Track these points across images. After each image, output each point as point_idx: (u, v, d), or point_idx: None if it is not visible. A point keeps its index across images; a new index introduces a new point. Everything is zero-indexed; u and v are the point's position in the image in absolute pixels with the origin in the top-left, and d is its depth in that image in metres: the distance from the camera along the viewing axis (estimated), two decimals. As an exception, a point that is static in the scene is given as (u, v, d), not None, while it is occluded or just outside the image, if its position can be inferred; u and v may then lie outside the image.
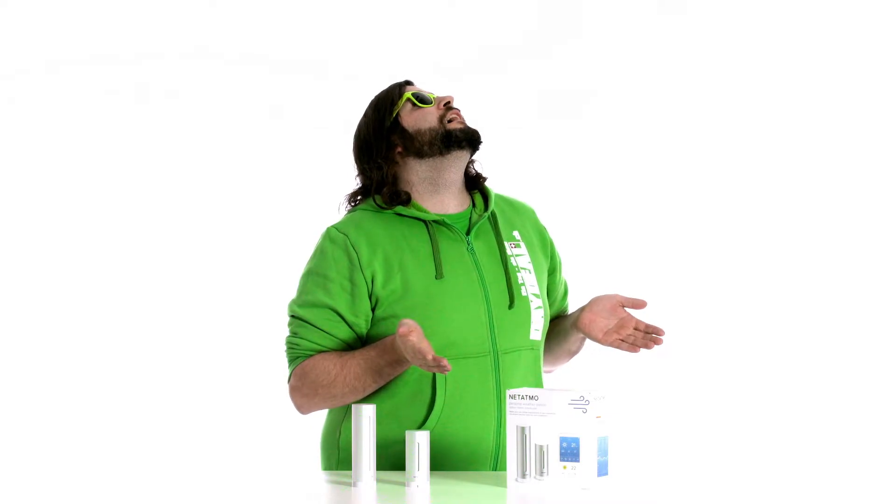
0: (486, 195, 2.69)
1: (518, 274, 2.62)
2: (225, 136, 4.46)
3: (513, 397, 2.29)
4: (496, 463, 2.58)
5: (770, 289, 4.36)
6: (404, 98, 2.64)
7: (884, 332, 4.31)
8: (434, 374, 2.53)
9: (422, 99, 2.65)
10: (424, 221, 2.61)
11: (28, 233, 4.44)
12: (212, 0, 4.46)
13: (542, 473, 2.26)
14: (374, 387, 2.53)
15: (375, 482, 2.34)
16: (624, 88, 4.43)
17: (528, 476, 2.27)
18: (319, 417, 2.71)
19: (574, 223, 4.23)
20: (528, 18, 4.45)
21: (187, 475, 2.53)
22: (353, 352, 2.54)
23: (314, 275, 2.60)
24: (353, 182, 2.74)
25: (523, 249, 2.66)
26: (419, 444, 2.30)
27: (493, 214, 2.67)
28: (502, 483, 2.33)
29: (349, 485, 2.36)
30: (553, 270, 2.75)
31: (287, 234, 4.21)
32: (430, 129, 2.62)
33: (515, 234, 2.68)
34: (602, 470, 2.24)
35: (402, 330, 2.37)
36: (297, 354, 2.59)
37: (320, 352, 2.57)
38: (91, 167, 4.44)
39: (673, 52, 4.42)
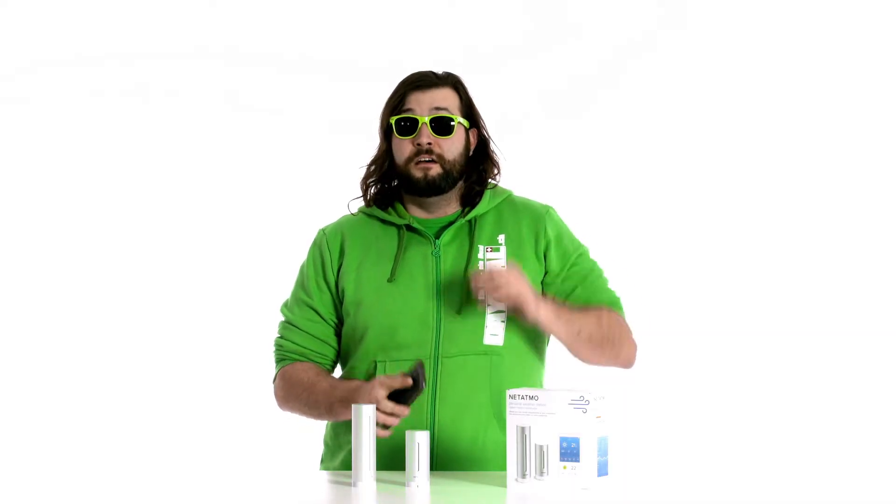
0: (475, 201, 2.67)
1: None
2: (225, 136, 4.46)
3: (513, 397, 2.29)
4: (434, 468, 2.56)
5: (770, 288, 4.35)
6: (392, 120, 2.63)
7: (884, 332, 4.31)
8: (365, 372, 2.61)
9: (403, 127, 2.62)
10: (397, 225, 2.66)
11: (28, 233, 4.44)
12: (212, 0, 4.46)
13: (542, 473, 2.26)
14: (328, 416, 2.61)
15: (375, 482, 2.34)
16: (624, 89, 4.43)
17: (528, 476, 2.27)
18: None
19: (573, 223, 4.23)
20: (527, 19, 4.45)
21: (188, 475, 2.53)
22: (327, 376, 2.65)
23: (299, 273, 2.75)
24: (349, 180, 2.80)
25: (501, 253, 2.62)
26: (419, 444, 2.30)
27: (475, 220, 2.65)
28: (502, 483, 2.33)
29: (349, 485, 2.36)
30: (553, 273, 2.65)
31: (286, 233, 4.20)
32: (400, 164, 2.64)
33: (500, 237, 2.65)
34: (602, 470, 2.24)
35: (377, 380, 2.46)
36: (282, 356, 2.72)
37: (305, 357, 2.69)
38: (91, 167, 4.44)
39: (672, 52, 4.41)
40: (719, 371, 4.32)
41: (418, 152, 2.61)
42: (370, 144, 2.79)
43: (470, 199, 2.67)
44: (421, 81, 2.65)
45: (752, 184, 4.37)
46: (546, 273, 2.65)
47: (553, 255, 2.65)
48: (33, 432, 4.40)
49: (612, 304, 2.67)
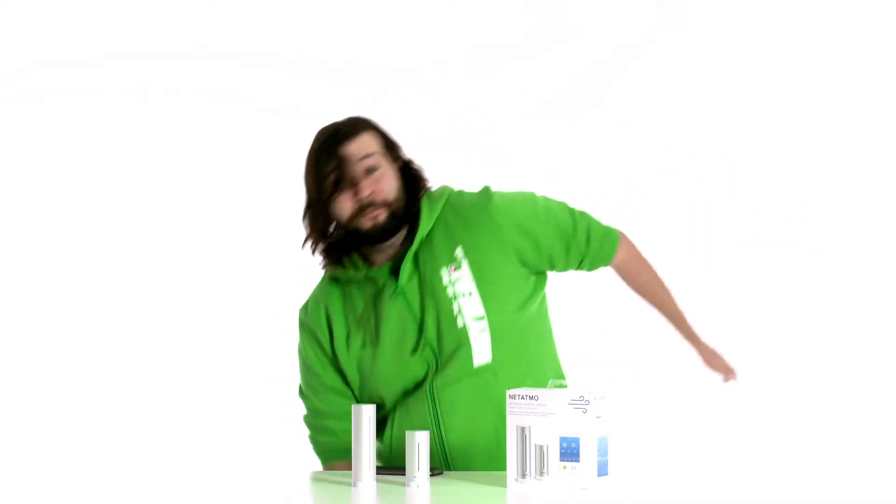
0: (415, 227, 2.60)
1: (454, 304, 2.56)
2: (225, 136, 4.46)
3: (513, 397, 2.29)
4: None
5: (770, 288, 4.36)
6: (325, 182, 2.56)
7: (884, 332, 4.31)
8: (387, 415, 2.62)
9: (338, 184, 2.56)
10: (358, 281, 2.63)
11: (28, 233, 4.44)
12: (212, 0, 4.46)
13: (542, 473, 2.26)
14: None
15: (375, 482, 2.34)
16: (624, 89, 4.43)
17: (528, 476, 2.27)
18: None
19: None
20: (527, 19, 4.45)
21: (187, 475, 2.53)
22: None
23: (300, 359, 2.73)
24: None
25: (464, 269, 2.57)
26: (419, 444, 2.30)
27: (423, 242, 2.58)
28: (502, 483, 2.33)
29: (349, 485, 2.36)
30: (544, 246, 2.61)
31: (286, 233, 4.21)
32: (344, 221, 2.58)
33: (458, 251, 2.58)
34: (602, 470, 2.24)
35: None
36: (326, 453, 2.70)
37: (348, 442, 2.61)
38: (91, 168, 4.44)
39: (672, 52, 4.42)
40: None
41: (361, 207, 2.55)
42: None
43: (413, 222, 2.61)
44: (338, 135, 2.57)
45: (750, 185, 4.38)
46: (545, 259, 2.62)
47: (531, 245, 2.61)
48: (32, 433, 4.40)
49: (616, 242, 2.72)
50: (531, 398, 2.27)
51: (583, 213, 2.70)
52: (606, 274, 2.75)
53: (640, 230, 4.38)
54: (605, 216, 4.34)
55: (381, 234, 2.57)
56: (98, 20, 4.44)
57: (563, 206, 2.69)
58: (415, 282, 2.58)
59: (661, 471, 2.48)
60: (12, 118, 4.44)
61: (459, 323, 2.55)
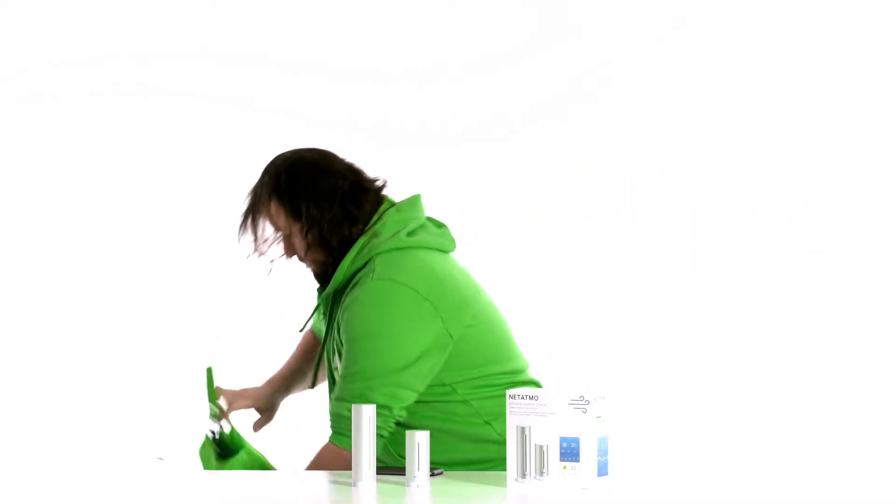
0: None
1: (334, 357, 2.62)
2: (225, 136, 4.46)
3: (513, 397, 2.29)
4: None
5: (770, 289, 4.35)
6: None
7: (884, 332, 4.31)
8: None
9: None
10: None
11: (28, 233, 4.44)
12: (212, 0, 4.46)
13: (542, 473, 2.26)
14: None
15: (375, 482, 2.34)
16: (624, 90, 4.43)
17: (528, 476, 2.27)
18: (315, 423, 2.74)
19: (566, 226, 4.22)
20: (527, 19, 4.45)
21: (186, 474, 2.53)
22: None
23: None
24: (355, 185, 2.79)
25: (335, 333, 2.61)
26: (419, 444, 2.30)
27: (332, 295, 2.63)
28: (502, 483, 2.33)
29: (349, 485, 2.36)
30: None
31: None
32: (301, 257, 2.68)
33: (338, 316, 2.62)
34: (602, 470, 2.24)
35: None
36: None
37: None
38: (91, 168, 4.44)
39: (673, 52, 4.42)
40: (719, 371, 4.32)
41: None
42: (370, 145, 2.78)
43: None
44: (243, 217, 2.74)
45: (752, 181, 4.38)
46: None
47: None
48: (29, 433, 4.40)
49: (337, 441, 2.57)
50: (531, 398, 2.27)
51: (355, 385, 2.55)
52: (606, 274, 2.74)
53: (640, 230, 4.40)
54: (606, 216, 4.36)
55: (318, 277, 2.67)
56: (98, 20, 4.43)
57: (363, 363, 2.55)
58: (323, 325, 2.68)
59: (661, 471, 2.48)
60: (12, 118, 4.44)
61: (337, 377, 2.62)
